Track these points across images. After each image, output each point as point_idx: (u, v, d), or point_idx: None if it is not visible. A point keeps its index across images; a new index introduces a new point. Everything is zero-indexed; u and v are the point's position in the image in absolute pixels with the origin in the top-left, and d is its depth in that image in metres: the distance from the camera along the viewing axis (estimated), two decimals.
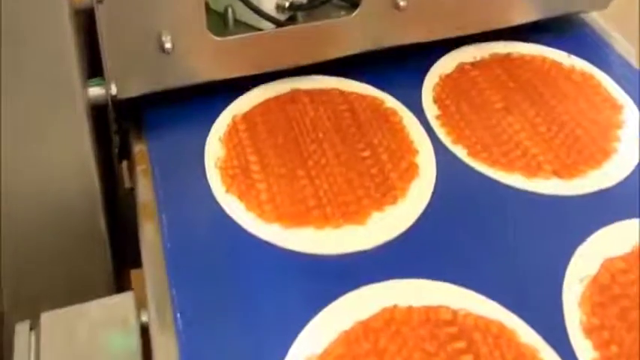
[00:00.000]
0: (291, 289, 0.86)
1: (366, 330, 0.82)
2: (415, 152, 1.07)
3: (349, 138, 1.07)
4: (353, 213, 0.96)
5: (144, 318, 0.80)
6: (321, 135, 1.11)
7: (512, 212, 0.97)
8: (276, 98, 1.14)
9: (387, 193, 1.00)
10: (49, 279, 0.95)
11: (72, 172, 0.92)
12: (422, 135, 1.10)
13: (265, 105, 1.12)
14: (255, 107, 1.13)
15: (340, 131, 1.09)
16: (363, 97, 1.15)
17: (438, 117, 1.16)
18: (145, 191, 0.97)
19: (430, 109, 1.17)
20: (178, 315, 0.80)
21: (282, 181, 1.00)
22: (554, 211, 0.96)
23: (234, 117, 1.13)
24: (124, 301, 0.81)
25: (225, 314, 0.82)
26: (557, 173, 1.02)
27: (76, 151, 0.90)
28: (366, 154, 1.06)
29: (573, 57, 1.21)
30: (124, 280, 1.05)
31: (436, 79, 1.22)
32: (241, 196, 0.99)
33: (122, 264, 1.04)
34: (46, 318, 0.78)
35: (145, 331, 0.79)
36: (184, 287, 0.84)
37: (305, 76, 1.17)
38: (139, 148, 1.04)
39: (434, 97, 1.19)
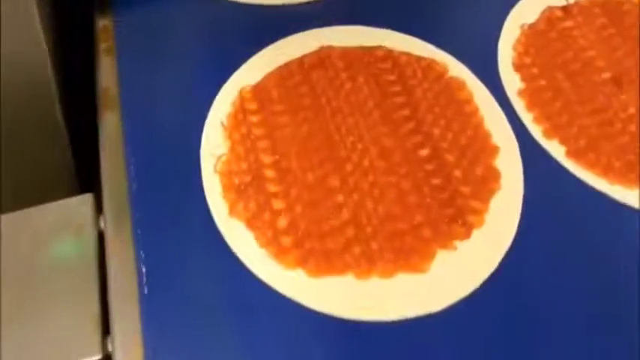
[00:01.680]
0: None
1: (299, 65, 0.87)
2: (494, 150, 0.81)
3: (400, 126, 0.83)
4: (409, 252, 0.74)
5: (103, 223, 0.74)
6: (361, 121, 0.81)
7: None
8: (299, 61, 0.89)
9: (455, 219, 0.75)
10: (11, 174, 0.88)
11: (21, 58, 0.81)
12: (501, 122, 0.84)
13: (284, 71, 0.87)
14: (270, 75, 0.87)
15: (387, 115, 0.84)
16: (418, 61, 0.89)
17: (521, 93, 0.86)
18: (106, 74, 0.85)
19: (510, 81, 0.87)
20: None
21: (308, 197, 0.77)
22: None
23: (241, 90, 0.84)
24: (81, 203, 0.76)
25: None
26: None
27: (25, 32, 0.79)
28: (425, 152, 0.80)
29: None
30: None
31: (516, 32, 0.90)
32: (250, 224, 0.74)
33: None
34: None
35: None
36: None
37: (338, 26, 0.92)
38: (102, 23, 0.90)
39: (514, 61, 0.88)
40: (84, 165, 0.89)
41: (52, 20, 0.85)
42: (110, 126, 0.81)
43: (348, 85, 0.85)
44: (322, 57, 0.88)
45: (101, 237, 0.74)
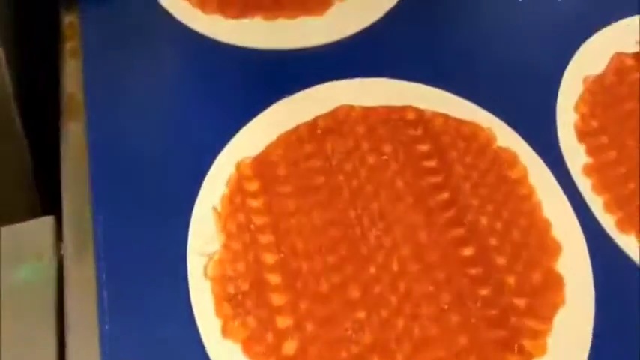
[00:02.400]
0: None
1: (311, 130, 0.70)
2: (555, 249, 0.65)
3: (437, 214, 0.67)
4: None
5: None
6: (388, 208, 0.66)
7: None
8: (311, 125, 0.73)
9: (509, 344, 0.60)
10: None
11: None
12: (564, 209, 0.68)
13: (292, 138, 0.71)
14: (275, 144, 0.71)
15: (421, 200, 0.68)
16: (457, 126, 0.73)
17: (587, 169, 0.69)
18: (71, 78, 0.77)
19: (573, 153, 0.71)
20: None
21: (320, 312, 0.62)
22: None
23: (239, 165, 0.69)
24: (41, 227, 0.70)
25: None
26: None
27: None
28: (469, 251, 0.65)
29: None
30: None
31: (578, 87, 0.73)
32: (248, 347, 0.60)
33: None
34: None
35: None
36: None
37: (358, 78, 0.76)
38: (68, 20, 0.82)
39: (577, 126, 0.71)
40: (47, 181, 0.80)
41: (9, 16, 0.80)
42: (73, 138, 0.73)
43: (371, 159, 0.69)
44: (339, 119, 0.72)
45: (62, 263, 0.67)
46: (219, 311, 0.60)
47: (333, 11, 0.80)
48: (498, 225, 0.65)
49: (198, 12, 0.80)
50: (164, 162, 0.70)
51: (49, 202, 0.78)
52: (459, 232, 0.64)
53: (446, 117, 0.72)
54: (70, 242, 0.67)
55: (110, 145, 0.71)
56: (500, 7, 0.82)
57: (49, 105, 0.79)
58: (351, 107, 0.72)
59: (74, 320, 0.62)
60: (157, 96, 0.76)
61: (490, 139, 0.70)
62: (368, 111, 0.72)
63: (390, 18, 0.80)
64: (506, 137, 0.70)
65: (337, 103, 0.72)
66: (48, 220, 0.70)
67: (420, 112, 0.72)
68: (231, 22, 0.79)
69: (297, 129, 0.71)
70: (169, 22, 0.80)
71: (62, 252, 0.68)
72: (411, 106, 0.72)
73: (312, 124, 0.71)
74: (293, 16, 0.79)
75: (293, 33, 0.78)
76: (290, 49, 0.77)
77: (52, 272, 0.67)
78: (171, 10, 0.80)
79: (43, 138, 0.80)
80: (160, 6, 0.80)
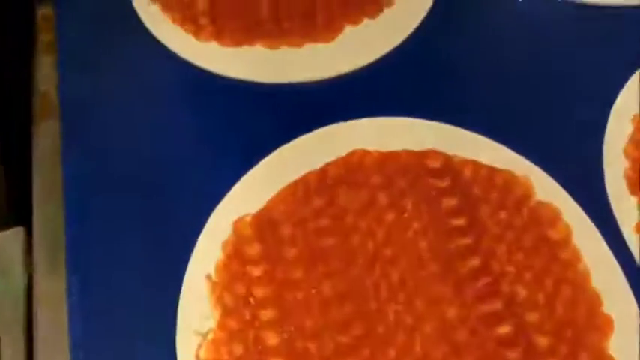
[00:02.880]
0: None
1: (321, 180, 0.61)
2: (606, 326, 0.56)
3: (467, 284, 0.57)
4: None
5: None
6: (409, 277, 0.58)
7: None
8: (320, 174, 0.64)
9: None
10: None
11: None
12: (615, 277, 0.58)
13: (299, 190, 0.62)
14: (279, 198, 0.62)
15: (450, 267, 0.58)
16: (489, 176, 0.63)
17: None
18: (45, 74, 0.73)
19: (624, 207, 0.61)
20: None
21: None
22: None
23: (237, 224, 0.60)
24: (10, 239, 0.67)
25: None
26: None
27: None
28: (505, 329, 0.56)
29: None
30: None
31: (627, 128, 0.64)
32: None
33: None
34: None
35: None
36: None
37: (373, 117, 0.67)
38: (43, 12, 0.78)
39: (628, 175, 0.62)
40: (16, 188, 0.74)
41: None
42: (46, 141, 0.68)
43: (389, 216, 0.59)
44: (352, 167, 0.62)
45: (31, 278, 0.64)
46: None
47: (343, 38, 0.71)
48: (539, 298, 0.55)
49: (190, 39, 0.71)
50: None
51: (18, 212, 0.73)
52: (493, 306, 0.55)
53: (476, 164, 0.62)
54: (40, 256, 0.63)
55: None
56: (535, 39, 0.73)
57: (19, 104, 0.74)
58: (366, 152, 0.63)
59: (44, 339, 0.58)
60: (140, 117, 0.68)
61: (528, 192, 0.61)
62: (385, 156, 0.63)
63: (409, 46, 0.71)
64: (545, 189, 0.61)
65: (349, 147, 0.63)
66: (17, 232, 0.67)
67: (445, 159, 0.63)
68: (229, 51, 0.70)
69: (304, 179, 0.62)
70: (156, 48, 0.71)
71: (32, 266, 0.64)
72: (434, 151, 0.63)
73: (322, 173, 0.62)
74: (298, 44, 0.70)
75: (298, 64, 0.69)
76: (295, 83, 0.69)
77: (21, 288, 0.64)
78: (160, 37, 0.71)
79: (12, 140, 0.75)
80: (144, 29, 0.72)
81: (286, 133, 0.64)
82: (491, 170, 0.62)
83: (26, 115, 0.72)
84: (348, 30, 0.71)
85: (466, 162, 0.62)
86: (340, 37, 0.71)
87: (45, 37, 0.76)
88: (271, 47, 0.70)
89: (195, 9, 0.72)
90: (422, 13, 0.73)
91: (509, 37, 0.73)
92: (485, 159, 0.63)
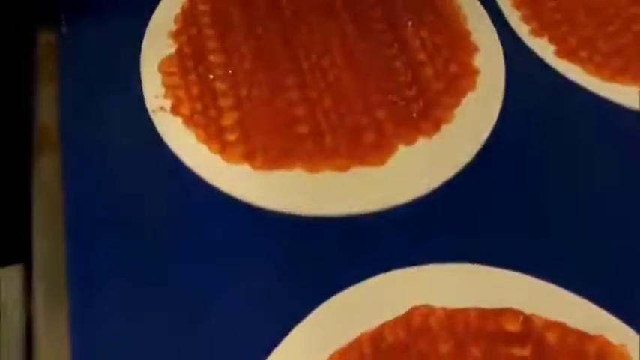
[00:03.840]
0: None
1: (376, 346, 0.52)
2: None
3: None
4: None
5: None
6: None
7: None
8: (372, 338, 0.54)
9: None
10: None
11: None
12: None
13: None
14: None
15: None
16: (579, 342, 0.53)
17: None
18: (46, 107, 0.70)
19: None
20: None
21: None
22: None
23: None
24: (7, 277, 0.66)
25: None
26: None
27: None
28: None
29: None
30: None
31: None
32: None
33: None
34: None
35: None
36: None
37: (431, 263, 0.59)
38: (45, 39, 0.75)
39: None
40: (15, 224, 0.71)
41: None
42: (46, 176, 0.66)
43: None
44: (414, 328, 0.53)
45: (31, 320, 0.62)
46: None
47: (397, 160, 0.61)
48: None
49: (217, 159, 0.61)
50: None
51: (17, 249, 0.70)
52: None
53: (563, 328, 0.52)
54: (40, 295, 0.60)
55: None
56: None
57: (18, 136, 0.73)
58: (430, 309, 0.53)
59: None
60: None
61: None
62: (453, 315, 0.53)
63: (474, 171, 0.62)
64: None
65: (408, 304, 0.53)
66: (15, 270, 0.67)
67: (525, 320, 0.52)
68: (261, 176, 0.60)
69: (356, 342, 0.51)
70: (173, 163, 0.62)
71: (31, 306, 0.62)
72: (511, 310, 0.53)
73: (377, 336, 0.51)
74: (344, 167, 0.61)
75: (343, 192, 0.59)
76: (340, 217, 0.58)
77: (19, 330, 0.64)
78: (180, 154, 0.61)
79: (11, 174, 0.73)
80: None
81: (331, 282, 0.54)
82: (582, 336, 0.52)
83: (25, 147, 0.69)
84: (402, 150, 0.62)
85: (550, 324, 0.52)
86: (392, 160, 0.61)
87: (46, 66, 0.73)
88: (312, 171, 0.60)
89: (222, 122, 0.63)
90: (487, 130, 0.63)
91: (600, 164, 0.64)
92: (573, 322, 0.52)
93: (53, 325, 0.57)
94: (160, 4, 0.73)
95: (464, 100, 0.66)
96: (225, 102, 0.64)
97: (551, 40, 0.71)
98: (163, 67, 0.67)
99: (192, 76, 0.66)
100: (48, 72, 0.74)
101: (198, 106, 0.64)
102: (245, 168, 0.61)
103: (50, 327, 0.58)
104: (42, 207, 0.65)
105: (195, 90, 0.65)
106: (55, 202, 0.64)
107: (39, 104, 0.73)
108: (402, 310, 0.53)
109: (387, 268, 0.55)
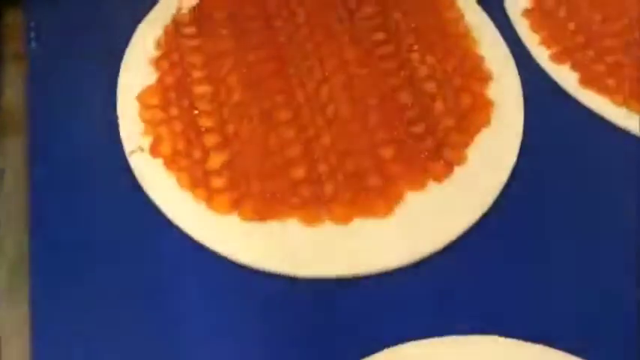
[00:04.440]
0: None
1: None
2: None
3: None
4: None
5: None
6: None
7: None
8: None
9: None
10: None
11: None
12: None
13: None
14: None
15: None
16: None
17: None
18: (12, 90, 0.68)
19: None
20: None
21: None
22: None
23: None
24: None
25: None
26: None
27: None
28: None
29: None
30: None
31: None
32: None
33: None
34: None
35: None
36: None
37: (450, 335, 0.52)
38: (12, 18, 0.72)
39: None
40: None
41: None
42: (11, 159, 0.64)
43: None
44: None
45: None
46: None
47: (403, 210, 0.55)
48: None
49: (202, 207, 0.54)
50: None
51: None
52: None
53: None
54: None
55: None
56: None
57: None
58: None
59: None
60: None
61: None
62: None
63: (491, 222, 0.55)
64: None
65: None
66: None
67: None
68: (249, 228, 0.54)
69: None
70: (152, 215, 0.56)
71: None
72: None
73: None
74: (344, 218, 0.54)
75: (344, 249, 0.53)
76: (340, 278, 0.52)
77: None
78: (159, 203, 0.54)
79: None
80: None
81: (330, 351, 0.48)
82: None
83: None
84: (409, 197, 0.55)
85: None
86: (399, 209, 0.54)
87: (12, 45, 0.72)
88: (309, 223, 0.53)
89: (207, 165, 0.56)
90: (505, 172, 0.57)
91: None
92: None
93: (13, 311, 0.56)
94: (140, 25, 0.65)
95: (478, 137, 0.59)
96: (211, 140, 0.57)
97: (574, 67, 0.64)
98: (143, 99, 0.60)
99: (175, 110, 0.59)
100: (14, 51, 0.72)
101: (181, 145, 0.57)
102: (233, 219, 0.54)
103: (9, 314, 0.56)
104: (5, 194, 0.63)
105: (178, 126, 0.58)
106: (19, 189, 0.61)
107: (5, 85, 0.70)
108: None
109: (393, 343, 0.48)
